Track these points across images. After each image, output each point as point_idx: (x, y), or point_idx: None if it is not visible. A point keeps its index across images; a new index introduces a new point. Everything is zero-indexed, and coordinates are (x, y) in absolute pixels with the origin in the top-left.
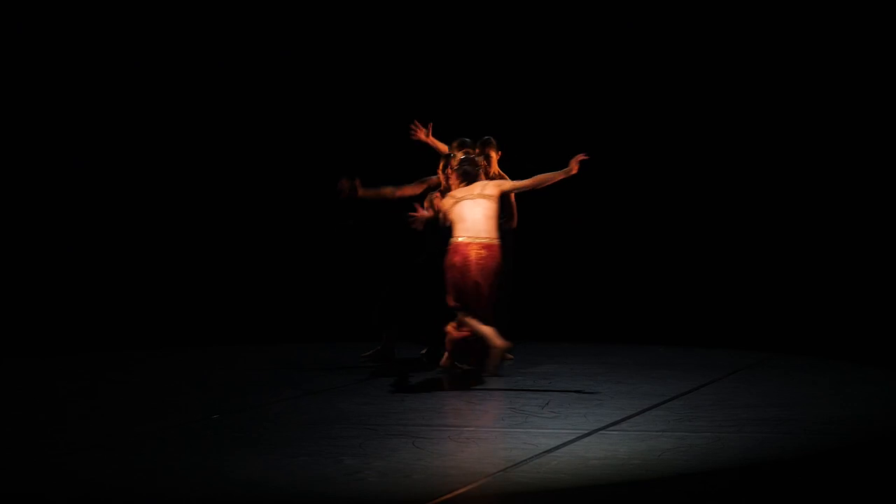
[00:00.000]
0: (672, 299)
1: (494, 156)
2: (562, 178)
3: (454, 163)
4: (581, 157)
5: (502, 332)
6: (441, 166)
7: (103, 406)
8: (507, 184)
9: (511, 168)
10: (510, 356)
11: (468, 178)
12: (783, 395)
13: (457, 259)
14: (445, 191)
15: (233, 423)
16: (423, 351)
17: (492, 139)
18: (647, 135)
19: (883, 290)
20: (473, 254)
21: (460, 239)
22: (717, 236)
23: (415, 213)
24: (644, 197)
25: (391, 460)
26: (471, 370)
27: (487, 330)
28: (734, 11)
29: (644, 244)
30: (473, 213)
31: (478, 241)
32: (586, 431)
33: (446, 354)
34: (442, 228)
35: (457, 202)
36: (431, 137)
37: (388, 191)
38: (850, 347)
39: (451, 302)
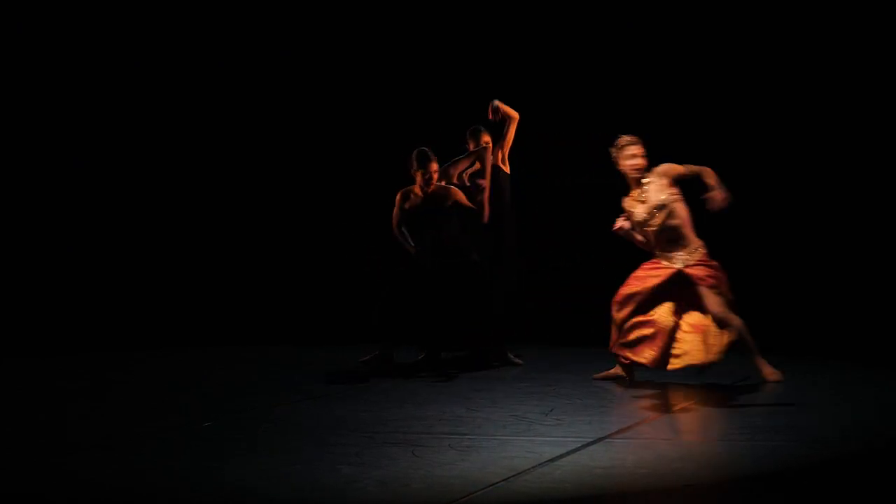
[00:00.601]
0: None
1: (489, 140)
2: None
3: (626, 153)
4: None
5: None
6: (421, 175)
7: (103, 406)
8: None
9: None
10: (519, 362)
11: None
12: (788, 399)
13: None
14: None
15: (233, 425)
16: (422, 355)
17: (481, 126)
18: (648, 138)
19: (884, 291)
20: None
21: None
22: (716, 237)
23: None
24: None
25: (390, 469)
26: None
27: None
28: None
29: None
30: None
31: None
32: (591, 439)
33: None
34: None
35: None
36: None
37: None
38: (850, 347)
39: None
